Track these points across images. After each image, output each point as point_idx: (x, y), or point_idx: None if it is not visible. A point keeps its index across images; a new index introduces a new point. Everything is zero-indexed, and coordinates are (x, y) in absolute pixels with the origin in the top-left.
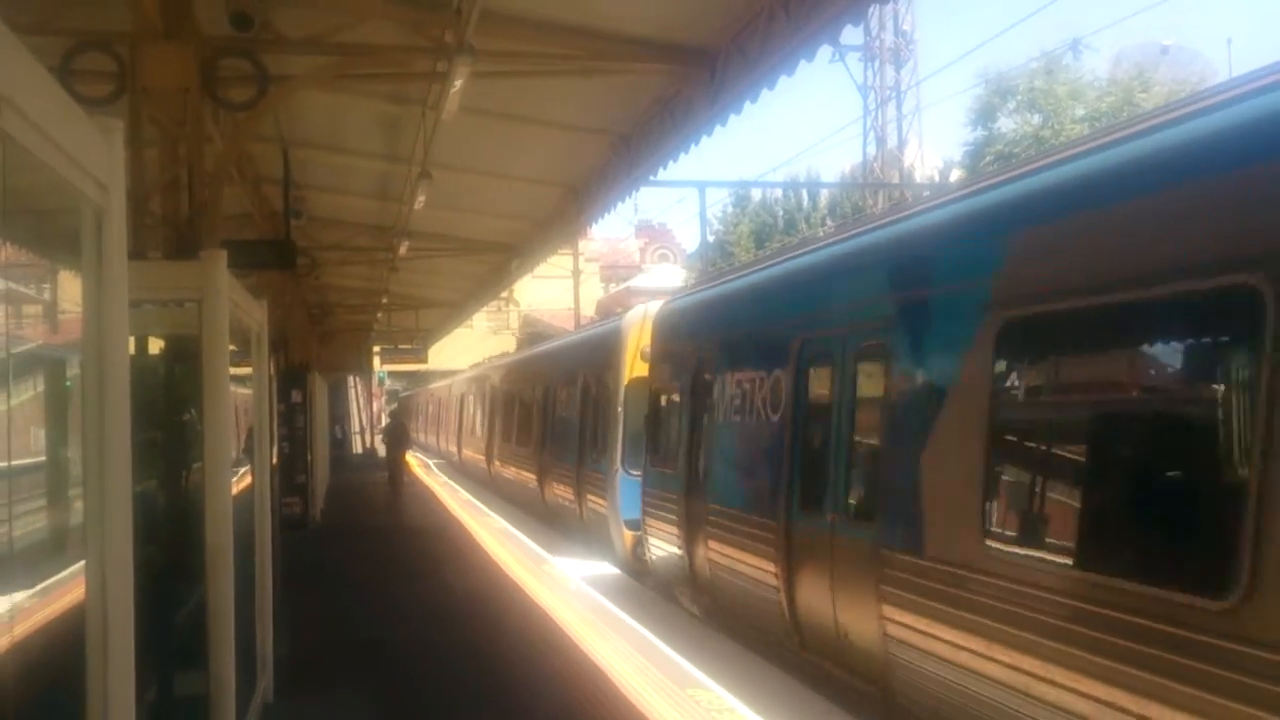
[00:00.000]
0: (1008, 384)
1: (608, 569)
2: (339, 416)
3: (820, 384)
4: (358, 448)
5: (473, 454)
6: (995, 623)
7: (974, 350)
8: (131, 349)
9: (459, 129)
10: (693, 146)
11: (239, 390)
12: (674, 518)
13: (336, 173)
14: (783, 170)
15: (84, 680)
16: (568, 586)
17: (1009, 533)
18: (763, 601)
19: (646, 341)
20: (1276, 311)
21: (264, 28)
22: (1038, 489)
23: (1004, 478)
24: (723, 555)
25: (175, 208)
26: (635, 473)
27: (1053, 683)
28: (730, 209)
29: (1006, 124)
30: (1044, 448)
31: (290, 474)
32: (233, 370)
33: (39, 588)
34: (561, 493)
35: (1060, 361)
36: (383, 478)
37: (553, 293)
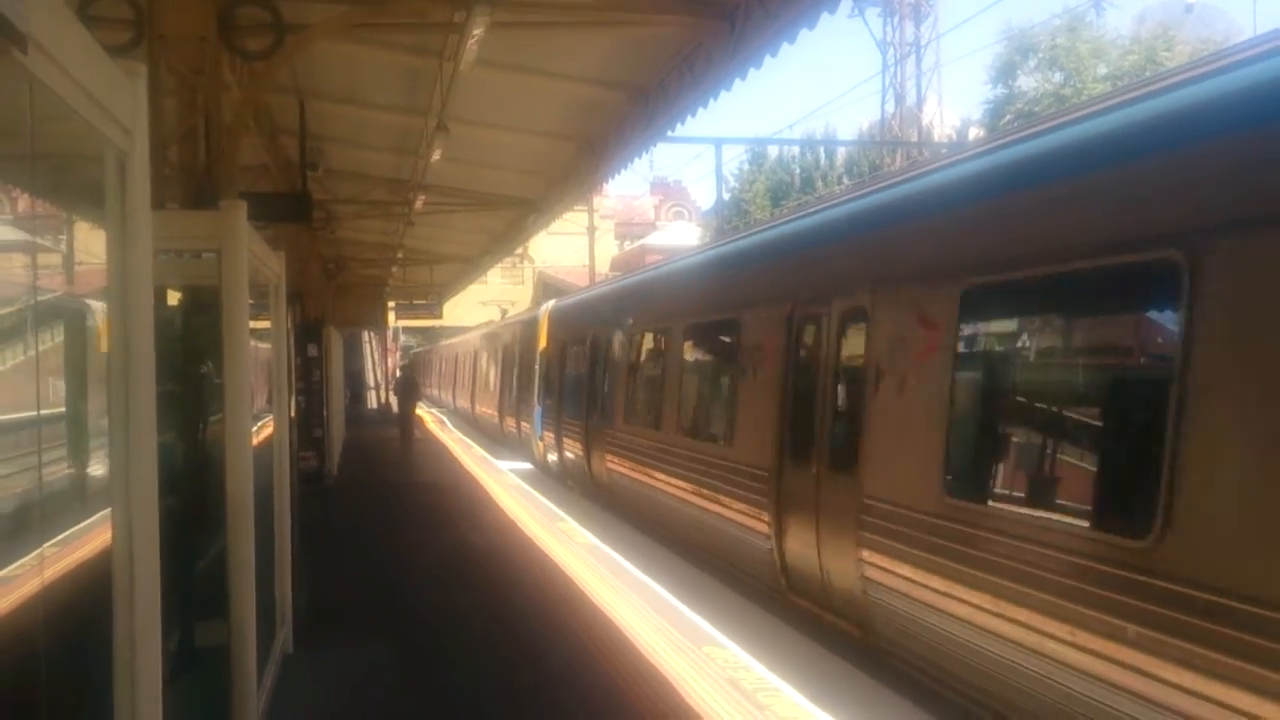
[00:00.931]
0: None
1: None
2: (354, 372)
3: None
4: (372, 403)
5: (462, 401)
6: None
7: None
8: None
9: (476, 82)
10: (711, 101)
11: (257, 344)
12: (550, 429)
13: (353, 125)
14: (800, 127)
15: (110, 627)
16: (504, 480)
17: None
18: (576, 460)
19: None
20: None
21: None
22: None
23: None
24: (567, 446)
25: (192, 157)
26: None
27: (1002, 616)
28: (746, 166)
29: (1027, 82)
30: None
31: (306, 428)
32: (251, 323)
33: (64, 535)
34: (507, 421)
35: (1003, 328)
36: (393, 433)
37: (568, 249)
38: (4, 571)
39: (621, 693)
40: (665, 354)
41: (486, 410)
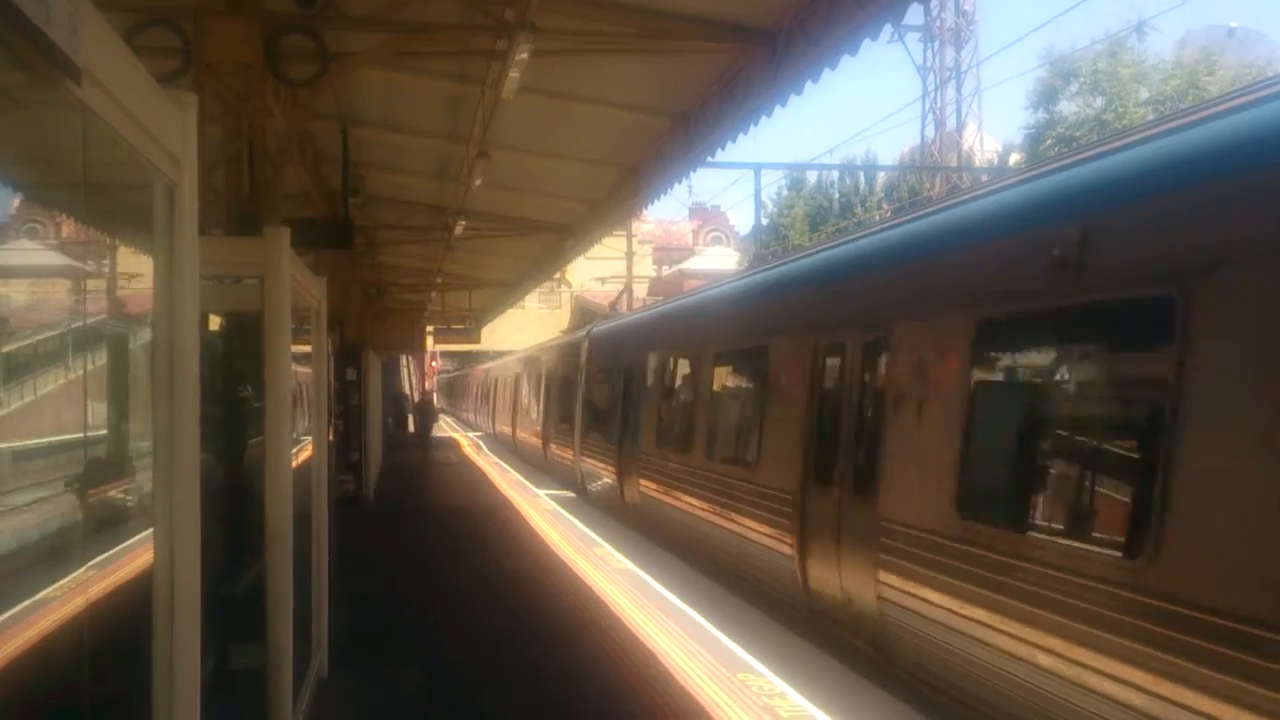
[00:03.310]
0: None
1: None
2: (395, 396)
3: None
4: (411, 426)
5: (503, 426)
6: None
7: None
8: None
9: (518, 108)
10: (752, 127)
11: (298, 368)
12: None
13: (395, 151)
14: (839, 153)
15: (150, 648)
16: (540, 505)
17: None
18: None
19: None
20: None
21: (326, 4)
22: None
23: None
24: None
25: (237, 184)
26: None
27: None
28: (785, 191)
29: (1068, 107)
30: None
31: (344, 452)
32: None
33: (105, 555)
34: (550, 446)
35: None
36: (433, 457)
37: (605, 272)
38: (46, 592)
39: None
40: (697, 380)
41: (526, 436)
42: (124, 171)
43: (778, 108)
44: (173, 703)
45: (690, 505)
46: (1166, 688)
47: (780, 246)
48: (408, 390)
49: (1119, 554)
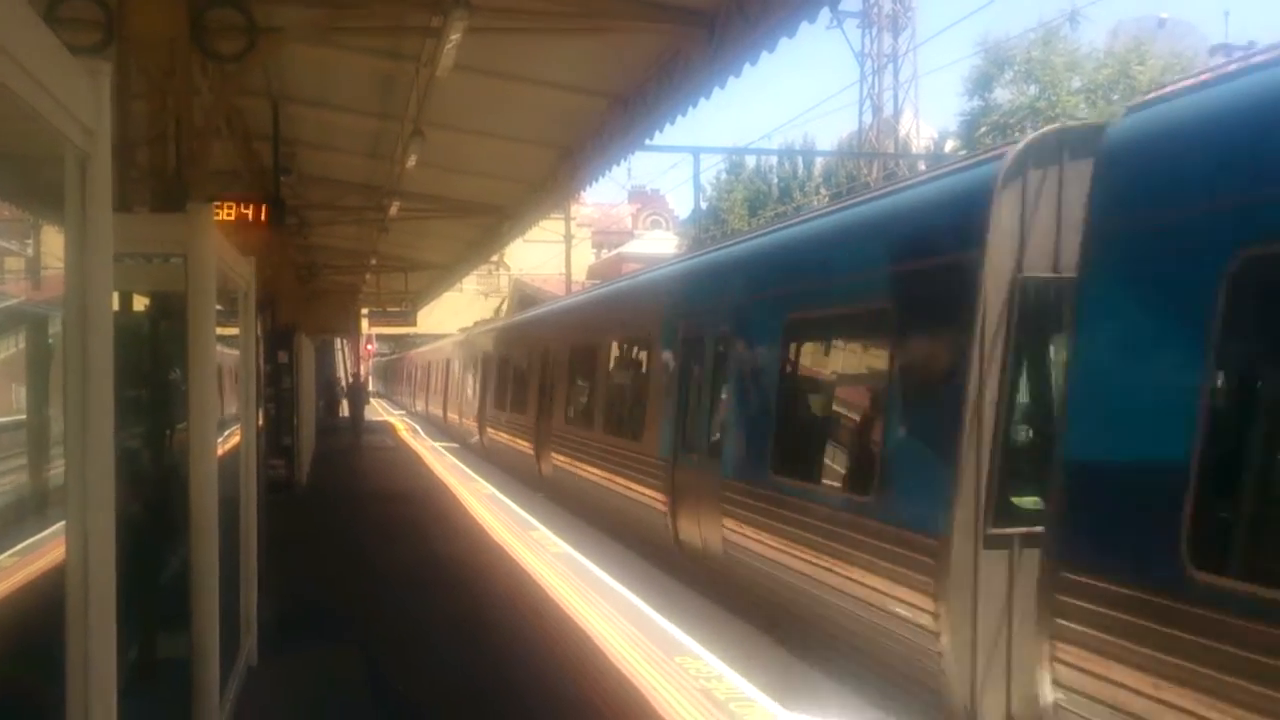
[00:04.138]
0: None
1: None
2: (328, 380)
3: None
4: (345, 410)
5: (434, 408)
6: None
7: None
8: (116, 305)
9: (453, 87)
10: (690, 109)
11: (226, 350)
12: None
13: (327, 130)
14: (778, 137)
15: (64, 642)
16: (477, 489)
17: None
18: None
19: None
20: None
21: None
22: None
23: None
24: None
25: (162, 161)
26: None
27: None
28: (724, 175)
29: (1003, 94)
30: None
31: (276, 436)
32: (219, 330)
33: (19, 547)
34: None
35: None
36: (369, 441)
37: (544, 256)
38: None
39: (591, 704)
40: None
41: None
42: (37, 144)
43: (716, 90)
44: (88, 696)
45: (588, 473)
46: (873, 579)
47: (720, 231)
48: (341, 374)
49: (862, 498)
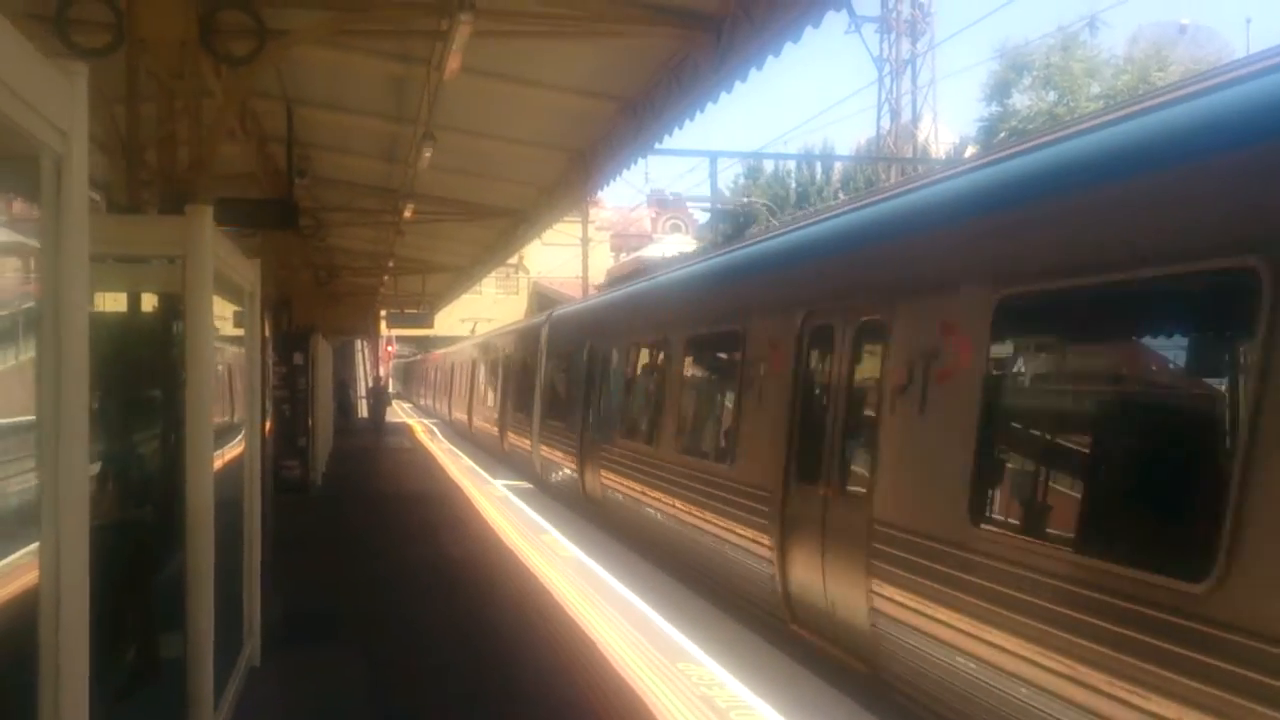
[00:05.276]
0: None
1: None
2: (343, 381)
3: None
4: (363, 412)
5: (459, 413)
6: None
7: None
8: (126, 306)
9: (464, 90)
10: (699, 113)
11: (239, 351)
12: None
13: (342, 133)
14: (794, 141)
15: (36, 660)
16: (491, 491)
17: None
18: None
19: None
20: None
21: None
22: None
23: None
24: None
25: (171, 163)
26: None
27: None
28: (742, 180)
29: (1021, 100)
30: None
31: (291, 436)
32: (233, 331)
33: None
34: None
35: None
36: (387, 443)
37: (563, 259)
38: None
39: (590, 709)
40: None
41: (481, 422)
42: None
43: (737, 94)
44: (59, 705)
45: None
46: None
47: (738, 235)
48: (361, 375)
49: (724, 465)
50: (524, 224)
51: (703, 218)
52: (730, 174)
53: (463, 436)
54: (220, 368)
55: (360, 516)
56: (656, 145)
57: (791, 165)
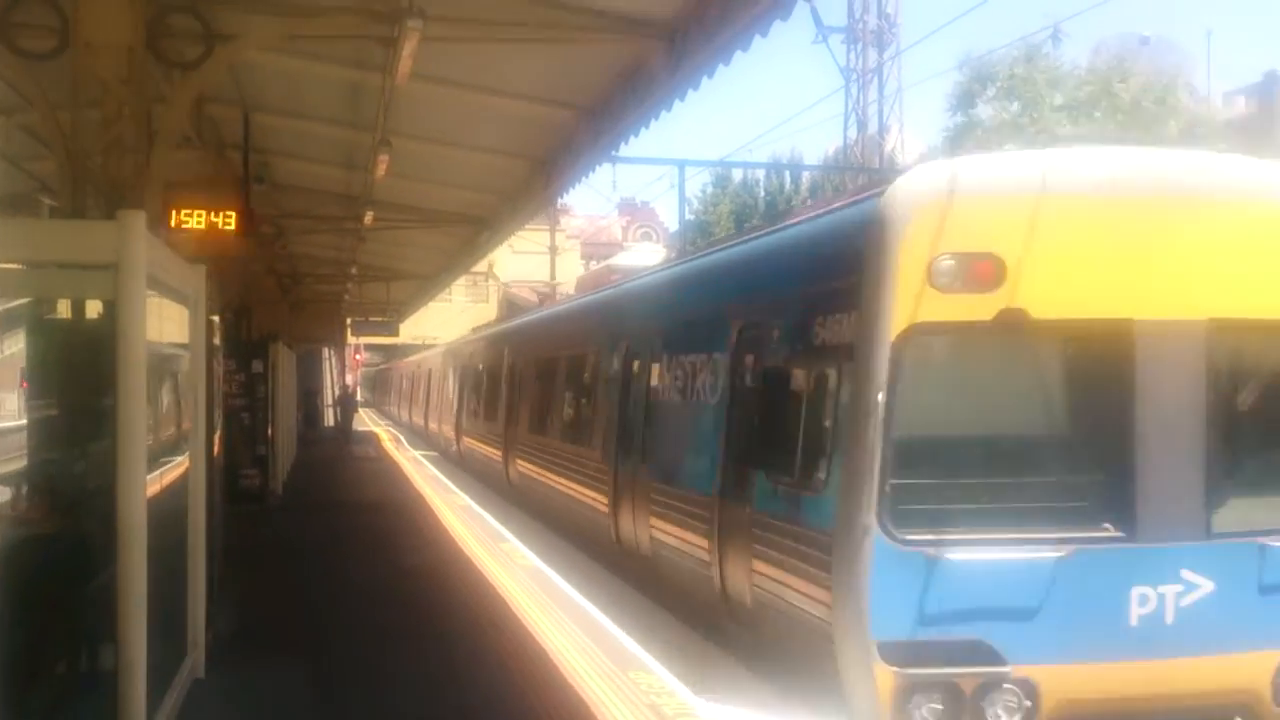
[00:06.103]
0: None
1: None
2: (309, 390)
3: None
4: (329, 420)
5: (417, 418)
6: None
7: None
8: (70, 313)
9: (421, 97)
10: (653, 121)
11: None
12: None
13: (301, 139)
14: (763, 151)
15: None
16: (453, 500)
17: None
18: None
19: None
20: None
21: None
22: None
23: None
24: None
25: (118, 168)
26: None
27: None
28: (711, 188)
29: (985, 110)
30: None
31: (250, 445)
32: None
33: None
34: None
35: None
36: (352, 451)
37: (532, 266)
38: None
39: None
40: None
41: (432, 423)
42: None
43: (679, 103)
44: None
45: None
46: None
47: (707, 243)
48: (329, 383)
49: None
50: (487, 231)
51: (674, 225)
52: (698, 182)
53: (420, 437)
54: (174, 376)
55: (320, 525)
56: (615, 152)
57: (760, 174)
